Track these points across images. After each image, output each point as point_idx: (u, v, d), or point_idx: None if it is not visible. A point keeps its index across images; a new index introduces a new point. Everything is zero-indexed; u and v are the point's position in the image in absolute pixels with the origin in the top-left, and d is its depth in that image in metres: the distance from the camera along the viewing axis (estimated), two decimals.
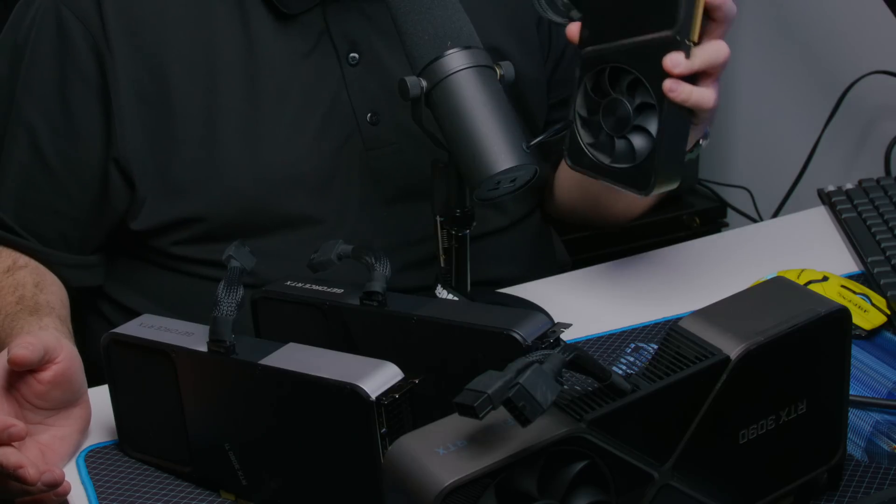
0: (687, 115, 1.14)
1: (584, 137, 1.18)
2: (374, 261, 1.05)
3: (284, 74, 1.28)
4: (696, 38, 1.10)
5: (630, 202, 1.40)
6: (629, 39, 1.13)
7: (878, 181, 1.50)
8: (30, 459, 1.00)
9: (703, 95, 1.12)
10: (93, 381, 1.11)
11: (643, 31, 1.12)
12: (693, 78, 1.12)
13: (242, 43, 1.27)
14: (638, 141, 1.14)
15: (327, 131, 1.29)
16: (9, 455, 0.99)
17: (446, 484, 0.75)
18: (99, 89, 1.26)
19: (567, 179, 1.48)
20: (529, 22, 1.41)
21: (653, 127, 1.13)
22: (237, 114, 1.27)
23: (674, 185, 1.18)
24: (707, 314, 0.90)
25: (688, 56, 1.11)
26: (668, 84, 1.11)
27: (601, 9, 1.15)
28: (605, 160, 1.17)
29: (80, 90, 1.26)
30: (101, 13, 1.25)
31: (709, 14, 1.12)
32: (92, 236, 1.32)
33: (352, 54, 1.29)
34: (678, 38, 1.10)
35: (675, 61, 1.11)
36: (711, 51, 1.12)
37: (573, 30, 1.16)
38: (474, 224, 1.17)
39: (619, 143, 1.15)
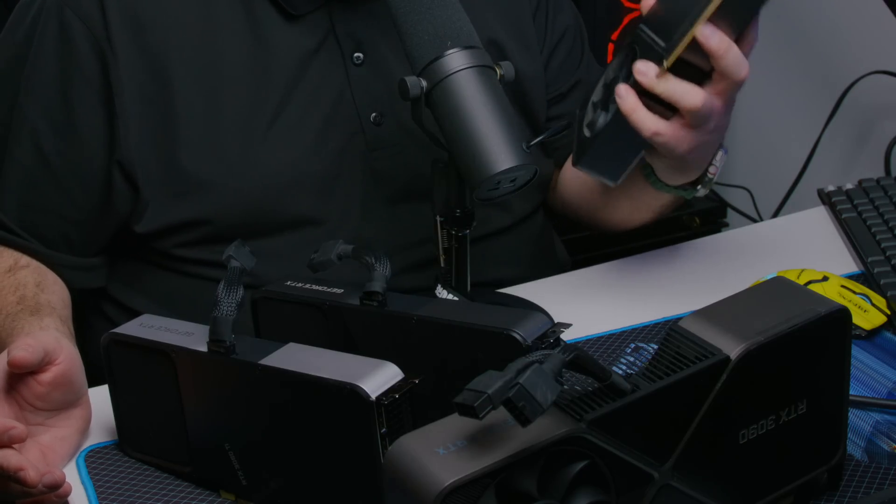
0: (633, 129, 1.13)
1: (585, 118, 1.19)
2: (374, 261, 1.05)
3: (289, 74, 1.28)
4: (669, 63, 1.10)
5: (635, 205, 1.40)
6: (653, 35, 1.12)
7: (878, 181, 1.50)
8: (30, 461, 1.00)
9: (645, 121, 1.12)
10: (93, 381, 1.11)
11: (664, 35, 1.12)
12: (663, 103, 1.12)
13: (247, 43, 1.27)
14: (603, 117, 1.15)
15: (331, 131, 1.29)
16: (9, 457, 0.99)
17: (446, 484, 0.75)
18: (101, 90, 1.25)
19: (571, 180, 1.48)
20: (525, 15, 1.41)
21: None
22: (241, 115, 1.27)
23: (608, 182, 1.20)
24: (707, 314, 0.90)
25: (658, 74, 1.10)
26: (621, 88, 1.12)
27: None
28: (587, 133, 1.18)
29: (82, 91, 1.26)
30: (104, 14, 1.25)
31: (711, 63, 1.10)
32: (94, 238, 1.32)
33: (356, 54, 1.29)
34: (663, 53, 1.10)
35: (641, 69, 1.11)
36: (678, 88, 1.11)
37: (647, 2, 1.15)
38: (475, 224, 1.17)
39: (600, 116, 1.16)
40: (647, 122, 1.12)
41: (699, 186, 1.26)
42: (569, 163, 1.49)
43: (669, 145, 1.14)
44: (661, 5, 1.14)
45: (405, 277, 1.27)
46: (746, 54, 1.12)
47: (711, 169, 1.24)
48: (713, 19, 1.07)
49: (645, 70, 1.11)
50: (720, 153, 1.24)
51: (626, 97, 1.12)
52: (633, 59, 1.14)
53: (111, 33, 1.24)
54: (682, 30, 1.08)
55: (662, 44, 1.10)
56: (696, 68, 1.11)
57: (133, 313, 1.28)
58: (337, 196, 1.30)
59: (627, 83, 1.12)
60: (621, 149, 1.17)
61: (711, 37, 1.08)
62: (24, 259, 1.30)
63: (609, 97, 1.16)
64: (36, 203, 1.30)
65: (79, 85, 1.26)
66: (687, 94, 1.11)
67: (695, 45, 1.08)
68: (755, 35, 1.13)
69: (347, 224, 1.30)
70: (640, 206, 1.39)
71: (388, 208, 1.32)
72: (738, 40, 1.11)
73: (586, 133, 1.19)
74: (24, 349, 1.02)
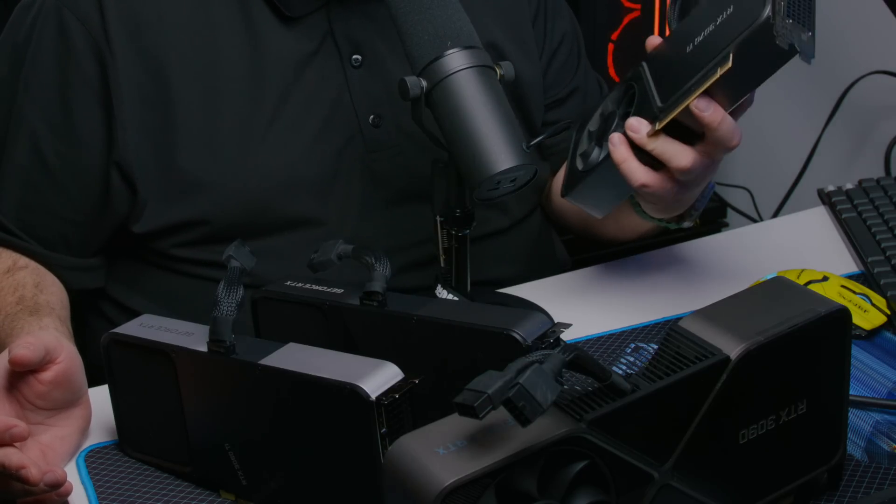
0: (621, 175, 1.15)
1: (579, 148, 1.21)
2: (374, 261, 1.05)
3: (288, 76, 1.28)
4: (660, 126, 1.11)
5: (620, 227, 1.41)
6: (653, 85, 1.14)
7: (878, 181, 1.50)
8: (32, 460, 1.00)
9: (634, 172, 1.13)
10: (93, 381, 1.11)
11: (662, 92, 1.13)
12: (653, 159, 1.13)
13: (245, 45, 1.27)
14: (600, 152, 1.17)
15: (329, 133, 1.29)
16: (11, 455, 0.99)
17: (446, 484, 0.75)
18: (100, 92, 1.25)
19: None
20: (525, 20, 1.41)
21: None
22: (239, 116, 1.27)
23: (594, 214, 1.23)
24: (707, 314, 0.90)
25: (650, 133, 1.12)
26: (614, 137, 1.14)
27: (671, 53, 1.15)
28: (579, 165, 1.20)
29: (81, 92, 1.26)
30: (103, 15, 1.25)
31: (702, 128, 1.11)
32: (93, 239, 1.32)
33: (355, 56, 1.29)
34: (657, 113, 1.12)
35: (634, 126, 1.13)
36: (669, 148, 1.12)
37: (652, 40, 1.17)
38: (474, 224, 1.17)
39: (594, 150, 1.18)
40: (637, 174, 1.14)
41: (685, 221, 1.28)
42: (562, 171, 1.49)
43: (656, 196, 1.16)
44: (666, 53, 1.15)
45: (404, 277, 1.27)
46: (738, 118, 1.14)
47: (698, 204, 1.26)
48: (710, 91, 1.08)
49: (637, 127, 1.13)
50: (707, 188, 1.25)
51: (618, 147, 1.14)
52: (631, 99, 1.16)
53: (110, 35, 1.24)
54: (678, 98, 1.10)
55: (659, 103, 1.12)
56: (688, 127, 1.13)
57: (132, 313, 1.28)
58: (335, 197, 1.30)
59: (621, 132, 1.14)
60: (610, 188, 1.19)
61: (706, 109, 1.10)
62: (23, 260, 1.30)
63: (604, 133, 1.17)
64: (34, 204, 1.30)
65: (77, 86, 1.26)
66: (677, 155, 1.13)
67: (689, 111, 1.10)
68: (751, 100, 1.15)
69: (346, 225, 1.30)
70: (625, 229, 1.41)
71: (387, 210, 1.32)
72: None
73: (579, 165, 1.20)
74: (26, 347, 1.03)
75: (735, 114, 1.12)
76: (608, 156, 1.14)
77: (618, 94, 1.19)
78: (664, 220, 1.28)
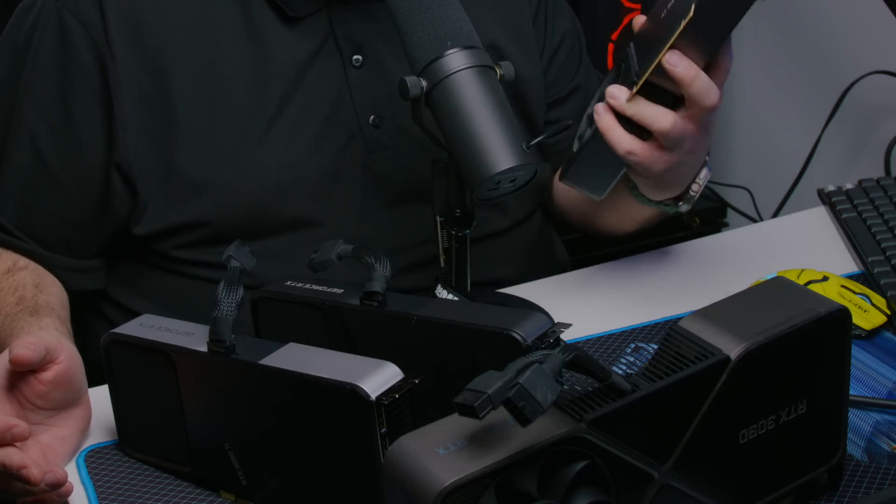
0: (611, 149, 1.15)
1: (578, 132, 1.21)
2: (374, 261, 1.05)
3: (289, 77, 1.28)
4: (636, 88, 1.12)
5: (620, 216, 1.41)
6: (634, 58, 1.15)
7: (878, 181, 1.50)
8: (33, 460, 1.00)
9: (620, 140, 1.14)
10: (93, 381, 1.11)
11: (640, 59, 1.14)
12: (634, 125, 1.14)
13: (247, 46, 1.27)
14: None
15: (330, 133, 1.29)
16: (12, 455, 0.99)
17: (446, 484, 0.75)
18: (100, 93, 1.25)
19: (561, 187, 1.48)
20: (525, 20, 1.41)
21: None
22: (240, 117, 1.26)
23: (592, 196, 1.24)
24: (707, 314, 0.90)
25: (628, 98, 1.13)
26: (599, 106, 1.15)
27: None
28: (574, 147, 1.20)
29: (81, 94, 1.26)
30: (103, 16, 1.24)
31: (681, 89, 1.12)
32: (93, 240, 1.32)
33: (355, 56, 1.29)
34: (634, 77, 1.13)
35: (612, 92, 1.14)
36: (648, 111, 1.13)
37: (638, 20, 1.18)
38: (474, 224, 1.17)
39: (587, 130, 1.19)
40: (623, 141, 1.14)
41: (681, 203, 1.28)
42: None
43: (643, 164, 1.16)
44: (649, 27, 1.16)
45: (404, 278, 1.27)
46: (720, 82, 1.14)
47: (694, 186, 1.27)
48: (679, 46, 1.09)
49: (616, 94, 1.14)
50: (704, 171, 1.27)
51: (602, 115, 1.15)
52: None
53: (110, 36, 1.24)
54: (651, 56, 1.11)
55: (637, 68, 1.13)
56: (670, 93, 1.13)
57: (132, 314, 1.28)
58: (336, 198, 1.30)
59: (605, 103, 1.15)
60: (603, 165, 1.20)
61: (678, 64, 1.10)
62: (23, 261, 1.30)
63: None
64: (34, 205, 1.30)
65: (78, 87, 1.26)
66: (656, 116, 1.13)
67: (663, 70, 1.10)
68: (728, 62, 1.15)
69: (346, 226, 1.30)
70: (624, 217, 1.41)
71: (387, 210, 1.32)
72: (710, 67, 1.13)
73: (574, 147, 1.21)
74: (26, 347, 1.03)
75: (715, 77, 1.13)
76: (597, 130, 1.15)
77: (612, 76, 1.20)
78: (662, 204, 1.27)
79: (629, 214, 1.39)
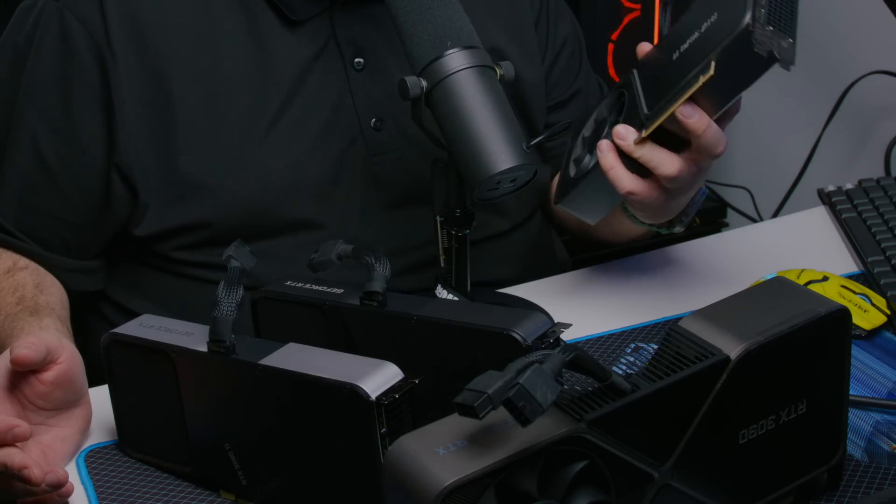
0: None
1: (574, 154, 1.21)
2: (374, 261, 1.05)
3: (290, 80, 1.27)
4: (646, 133, 1.11)
5: (614, 232, 1.42)
6: (642, 92, 1.14)
7: (878, 181, 1.50)
8: (34, 460, 1.00)
9: (621, 180, 1.14)
10: (93, 381, 1.11)
11: (650, 100, 1.13)
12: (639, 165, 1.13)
13: (248, 48, 1.27)
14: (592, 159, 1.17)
15: (331, 136, 1.29)
16: (13, 455, 0.99)
17: (446, 484, 0.75)
18: (101, 94, 1.25)
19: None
20: (527, 23, 1.41)
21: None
22: (241, 119, 1.26)
23: (586, 220, 1.24)
24: (707, 314, 0.90)
25: (636, 141, 1.12)
26: (603, 143, 1.14)
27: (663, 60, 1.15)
28: (571, 172, 1.20)
29: (82, 95, 1.26)
30: (105, 18, 1.24)
31: (688, 135, 1.12)
32: (93, 241, 1.32)
33: (357, 59, 1.29)
34: (644, 121, 1.12)
35: (621, 133, 1.13)
36: (655, 156, 1.12)
37: (643, 47, 1.17)
38: (474, 224, 1.17)
39: (585, 157, 1.18)
40: (624, 181, 1.14)
41: (676, 227, 1.28)
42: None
43: (643, 203, 1.16)
44: (655, 61, 1.15)
45: (404, 279, 1.27)
46: (726, 126, 1.14)
47: (688, 210, 1.26)
48: (694, 98, 1.09)
49: (624, 135, 1.13)
50: (699, 194, 1.25)
51: (606, 154, 1.14)
52: (622, 107, 1.16)
53: (111, 37, 1.24)
54: (664, 105, 1.10)
55: (646, 110, 1.12)
56: (675, 134, 1.13)
57: (132, 315, 1.28)
58: (336, 200, 1.30)
59: (610, 140, 1.14)
60: (600, 196, 1.20)
61: (691, 116, 1.10)
62: (23, 261, 1.30)
63: (595, 140, 1.18)
64: (34, 206, 1.30)
65: (78, 88, 1.26)
66: (664, 162, 1.13)
67: (675, 118, 1.10)
68: (738, 107, 1.15)
69: (347, 228, 1.29)
70: (619, 234, 1.41)
71: (388, 213, 1.32)
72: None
73: (571, 171, 1.21)
74: (27, 347, 1.03)
75: (722, 121, 1.12)
76: (598, 163, 1.15)
77: (611, 100, 1.20)
78: (655, 226, 1.28)
79: (623, 232, 1.39)
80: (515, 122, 1.11)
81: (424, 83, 1.10)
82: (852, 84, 2.01)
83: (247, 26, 1.27)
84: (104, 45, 1.24)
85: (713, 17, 1.08)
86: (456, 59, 1.10)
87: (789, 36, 1.05)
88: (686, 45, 1.10)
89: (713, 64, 1.06)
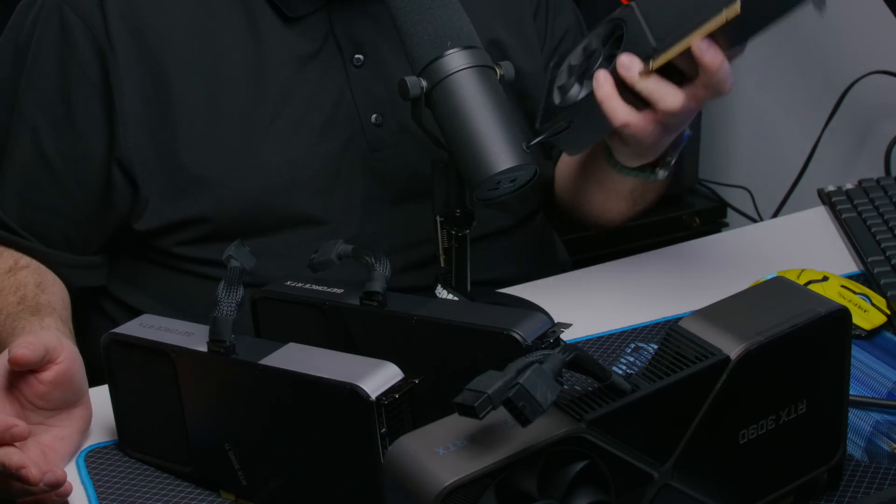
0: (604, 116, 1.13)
1: (558, 81, 1.18)
2: (374, 261, 1.05)
3: (290, 76, 1.28)
4: (655, 65, 1.09)
5: (603, 199, 1.40)
6: (644, 23, 1.11)
7: (878, 181, 1.50)
8: (32, 459, 1.00)
9: (617, 111, 1.12)
10: (93, 381, 1.11)
11: (656, 31, 1.10)
12: (638, 98, 1.11)
13: (247, 44, 1.27)
14: (588, 86, 1.15)
15: (331, 132, 1.29)
16: (11, 455, 0.99)
17: (446, 484, 0.75)
18: (101, 90, 1.26)
19: (560, 174, 1.48)
20: (526, 15, 1.41)
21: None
22: (241, 114, 1.27)
23: (568, 152, 1.23)
24: (707, 314, 0.90)
25: (642, 72, 1.10)
26: (599, 73, 1.12)
27: None
28: (557, 101, 1.18)
29: (82, 90, 1.26)
30: (104, 13, 1.25)
31: (699, 73, 1.09)
32: (94, 237, 1.32)
33: (356, 56, 1.30)
34: (651, 53, 1.09)
35: (626, 63, 1.11)
36: (659, 89, 1.11)
37: None
38: (474, 224, 1.17)
39: (574, 86, 1.16)
40: (620, 112, 1.12)
41: (659, 170, 1.27)
42: (562, 161, 1.49)
43: (636, 137, 1.14)
44: None
45: (405, 276, 1.27)
46: (731, 62, 1.12)
47: (672, 152, 1.25)
48: (711, 34, 1.06)
49: (629, 65, 1.11)
50: (682, 136, 1.24)
51: (603, 84, 1.12)
52: (619, 39, 1.13)
53: (111, 32, 1.25)
54: (677, 36, 1.07)
55: (653, 42, 1.09)
56: (679, 69, 1.10)
57: (133, 311, 1.29)
58: (337, 196, 1.30)
59: (608, 69, 1.12)
60: (587, 127, 1.17)
61: (707, 51, 1.07)
62: (24, 259, 1.30)
63: (587, 70, 1.15)
64: (36, 202, 1.30)
65: (79, 84, 1.26)
66: (667, 96, 1.11)
67: (686, 52, 1.07)
68: (744, 48, 1.13)
69: (348, 223, 1.30)
70: (609, 193, 1.39)
71: (389, 208, 1.32)
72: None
73: (556, 99, 1.18)
74: (26, 347, 1.02)
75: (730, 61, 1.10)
76: (590, 93, 1.12)
77: (603, 31, 1.16)
78: (639, 171, 1.26)
79: (612, 188, 1.37)
80: (515, 121, 1.11)
81: (424, 83, 1.10)
82: (852, 84, 2.02)
83: (245, 22, 1.27)
84: (104, 40, 1.25)
85: None
86: (456, 59, 1.10)
87: None
88: None
89: (739, 1, 1.02)
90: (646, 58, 1.10)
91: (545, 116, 1.20)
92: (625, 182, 1.33)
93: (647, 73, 1.09)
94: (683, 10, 1.07)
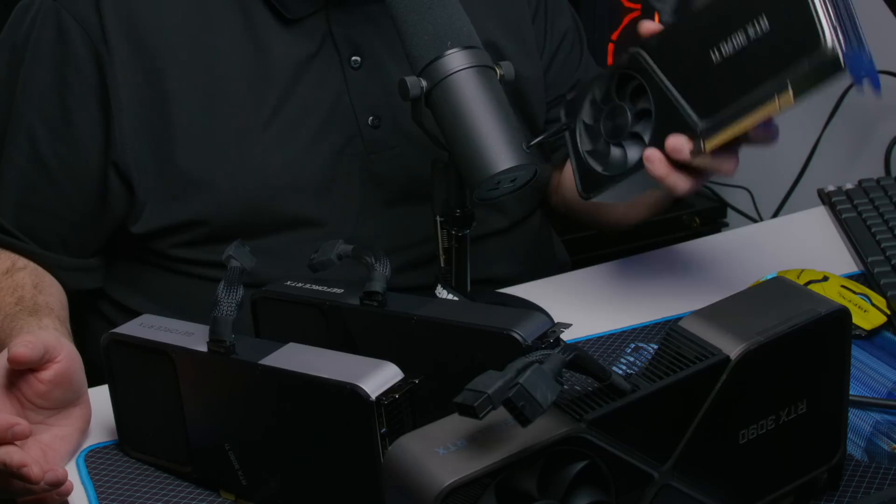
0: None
1: (584, 145, 1.18)
2: (374, 261, 1.05)
3: (287, 78, 1.28)
4: (709, 149, 1.08)
5: (626, 209, 1.41)
6: (671, 86, 1.11)
7: (878, 181, 1.50)
8: (33, 458, 1.00)
9: (678, 185, 1.12)
10: (93, 381, 1.11)
11: (689, 94, 1.10)
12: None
13: (245, 46, 1.27)
14: (632, 152, 1.15)
15: (328, 134, 1.29)
16: (12, 454, 0.99)
17: (446, 484, 0.75)
18: (98, 92, 1.25)
19: (571, 181, 1.48)
20: (524, 19, 1.41)
21: (647, 135, 1.13)
22: (238, 117, 1.27)
23: (617, 202, 1.21)
24: (707, 314, 0.90)
25: (693, 153, 1.09)
26: (651, 154, 1.11)
27: (685, 42, 1.11)
28: (598, 168, 1.17)
29: (79, 93, 1.26)
30: (101, 16, 1.25)
31: (755, 144, 1.11)
32: (91, 239, 1.32)
33: (354, 57, 1.29)
34: (700, 134, 1.08)
35: (677, 147, 1.10)
36: (715, 163, 1.11)
37: (648, 26, 1.14)
38: (474, 224, 1.17)
39: (615, 151, 1.16)
40: (680, 185, 1.12)
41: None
42: (569, 164, 1.49)
43: (691, 191, 1.15)
44: (677, 50, 1.11)
45: (403, 277, 1.27)
46: None
47: None
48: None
49: (681, 149, 1.10)
50: None
51: (657, 165, 1.11)
52: (636, 92, 1.13)
53: (107, 36, 1.24)
54: (729, 121, 1.06)
55: (698, 120, 1.08)
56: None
57: (131, 313, 1.28)
58: (334, 198, 1.30)
59: (654, 146, 1.11)
60: (637, 187, 1.17)
61: (762, 133, 1.09)
62: (22, 261, 1.30)
63: (617, 130, 1.15)
64: (32, 204, 1.30)
65: (75, 87, 1.26)
66: (723, 165, 1.12)
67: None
68: None
69: (345, 225, 1.30)
70: (636, 204, 1.41)
71: (386, 210, 1.32)
72: None
73: (596, 166, 1.17)
74: (25, 346, 1.02)
75: None
76: (639, 164, 1.12)
77: (608, 82, 1.16)
78: None
79: (642, 202, 1.39)
80: (515, 121, 1.11)
81: (424, 83, 1.10)
82: (852, 84, 2.01)
83: (243, 24, 1.27)
84: (101, 43, 1.25)
85: (764, 24, 1.03)
86: (456, 59, 1.10)
87: (861, 43, 0.99)
88: (730, 49, 1.06)
89: (791, 91, 1.01)
90: (693, 135, 1.09)
91: (590, 184, 1.18)
92: (653, 194, 1.33)
93: (699, 152, 1.09)
94: (722, 85, 1.06)
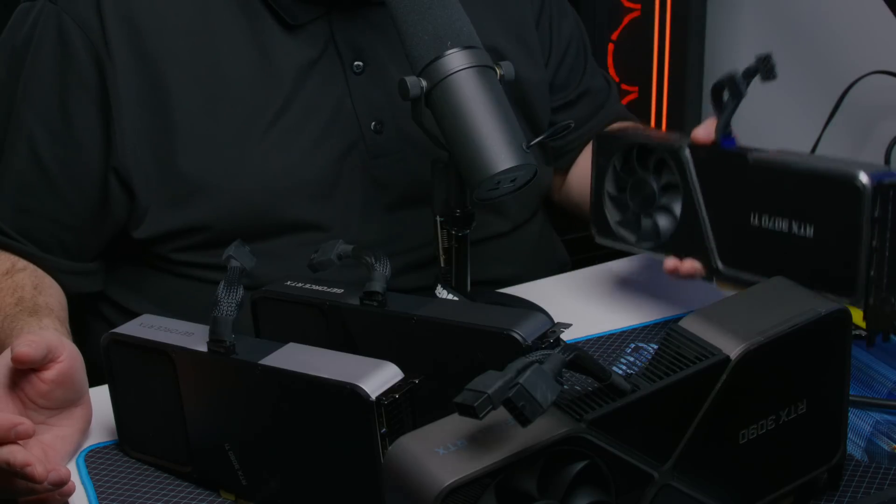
0: None
1: (612, 216, 1.24)
2: (374, 261, 1.05)
3: (289, 83, 1.27)
4: (720, 287, 1.17)
5: None
6: (704, 205, 1.16)
7: None
8: (36, 457, 1.00)
9: (699, 272, 1.17)
10: (93, 381, 1.11)
11: (717, 228, 1.15)
12: None
13: (247, 52, 1.27)
14: (663, 221, 1.20)
15: (330, 139, 1.29)
16: (16, 453, 0.99)
17: (446, 484, 0.75)
18: (99, 97, 1.25)
19: (578, 185, 1.48)
20: (528, 23, 1.41)
21: (677, 208, 1.18)
22: (240, 121, 1.26)
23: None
24: (707, 314, 0.90)
25: (705, 279, 1.17)
26: (669, 264, 1.19)
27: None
28: (631, 238, 1.22)
29: (79, 97, 1.26)
30: (102, 20, 1.24)
31: None
32: (91, 244, 1.32)
33: (356, 63, 1.29)
34: (716, 272, 1.15)
35: (693, 270, 1.17)
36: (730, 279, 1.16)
37: (703, 134, 1.19)
38: (474, 224, 1.17)
39: (645, 222, 1.21)
40: (702, 272, 1.18)
41: None
42: (576, 167, 1.50)
43: None
44: (720, 179, 1.16)
45: (404, 279, 1.27)
46: None
47: None
48: None
49: (695, 273, 1.18)
50: None
51: (673, 270, 1.19)
52: (659, 164, 1.18)
53: (108, 39, 1.24)
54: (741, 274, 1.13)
55: (721, 265, 1.15)
56: None
57: (132, 315, 1.28)
58: (336, 202, 1.30)
59: (672, 251, 1.19)
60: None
61: None
62: (22, 262, 1.30)
63: (646, 203, 1.20)
64: (32, 208, 1.29)
65: (76, 91, 1.26)
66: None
67: None
68: None
69: (347, 229, 1.29)
70: None
71: (388, 214, 1.32)
72: None
73: (628, 237, 1.23)
74: (28, 345, 1.03)
75: None
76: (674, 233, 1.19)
77: (625, 154, 1.21)
78: None
79: None
80: (515, 121, 1.11)
81: (424, 83, 1.10)
82: (852, 84, 2.01)
83: (245, 29, 1.27)
84: (101, 47, 1.24)
85: (809, 232, 1.07)
86: (456, 59, 1.10)
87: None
88: (771, 226, 1.10)
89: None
90: (710, 270, 1.16)
91: (619, 240, 1.25)
92: None
93: (710, 281, 1.16)
94: (747, 248, 1.12)
